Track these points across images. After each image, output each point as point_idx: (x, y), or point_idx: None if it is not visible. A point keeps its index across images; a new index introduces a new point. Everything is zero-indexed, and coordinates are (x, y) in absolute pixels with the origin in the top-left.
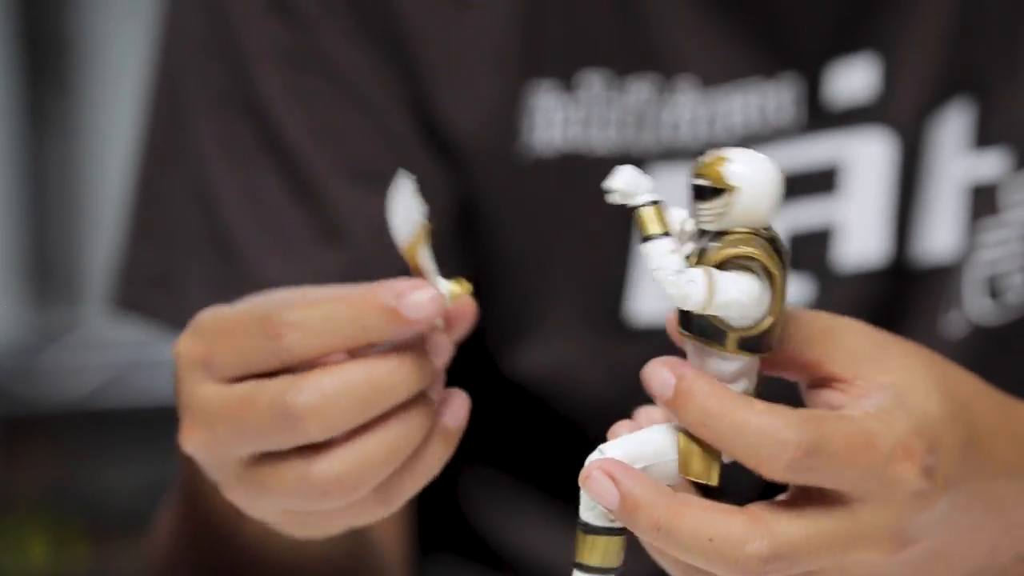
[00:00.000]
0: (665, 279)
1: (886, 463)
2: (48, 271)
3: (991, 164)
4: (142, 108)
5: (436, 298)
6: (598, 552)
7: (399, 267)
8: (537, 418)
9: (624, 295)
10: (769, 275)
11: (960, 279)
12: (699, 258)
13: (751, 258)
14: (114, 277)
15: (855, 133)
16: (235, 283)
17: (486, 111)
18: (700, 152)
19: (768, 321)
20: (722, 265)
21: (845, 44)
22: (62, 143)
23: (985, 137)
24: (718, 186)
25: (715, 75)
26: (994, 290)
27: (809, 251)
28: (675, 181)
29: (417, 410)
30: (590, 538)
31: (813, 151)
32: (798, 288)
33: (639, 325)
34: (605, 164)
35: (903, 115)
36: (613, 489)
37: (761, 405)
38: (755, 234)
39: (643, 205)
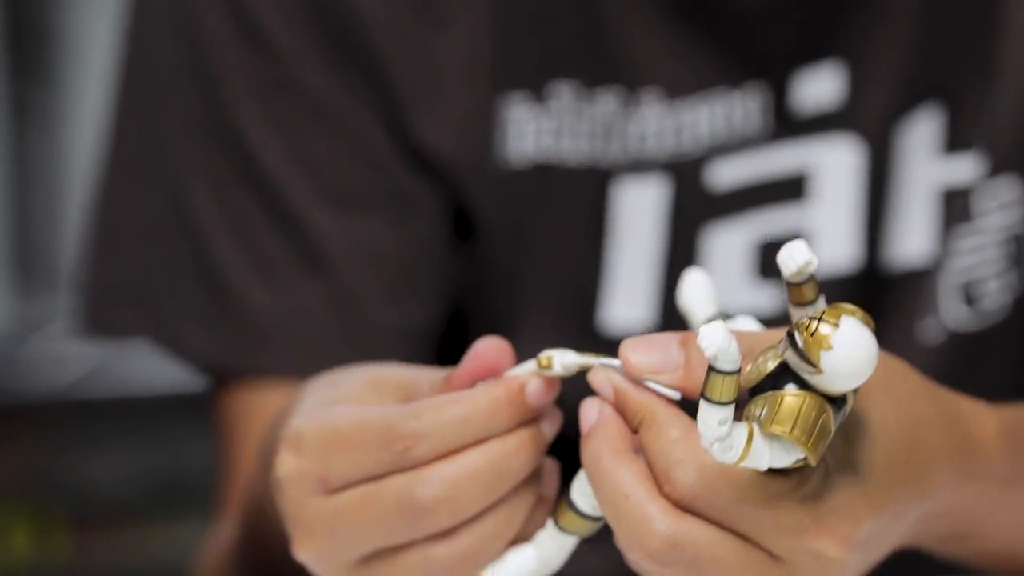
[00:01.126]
0: (705, 439)
1: (787, 534)
2: (31, 260)
3: (962, 169)
4: (108, 120)
5: (552, 381)
6: (573, 525)
7: (383, 293)
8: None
9: (598, 302)
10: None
11: (935, 286)
12: (763, 382)
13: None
14: (82, 294)
15: (822, 140)
16: (222, 311)
17: (461, 126)
18: (668, 164)
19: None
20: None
21: (811, 52)
22: (45, 134)
23: (955, 142)
24: (810, 359)
25: (681, 86)
26: (970, 297)
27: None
28: (643, 193)
29: (530, 482)
30: (570, 513)
31: (781, 159)
32: (769, 297)
33: (612, 332)
34: (576, 175)
35: (870, 121)
36: (594, 415)
37: (677, 432)
38: (823, 396)
39: (723, 372)
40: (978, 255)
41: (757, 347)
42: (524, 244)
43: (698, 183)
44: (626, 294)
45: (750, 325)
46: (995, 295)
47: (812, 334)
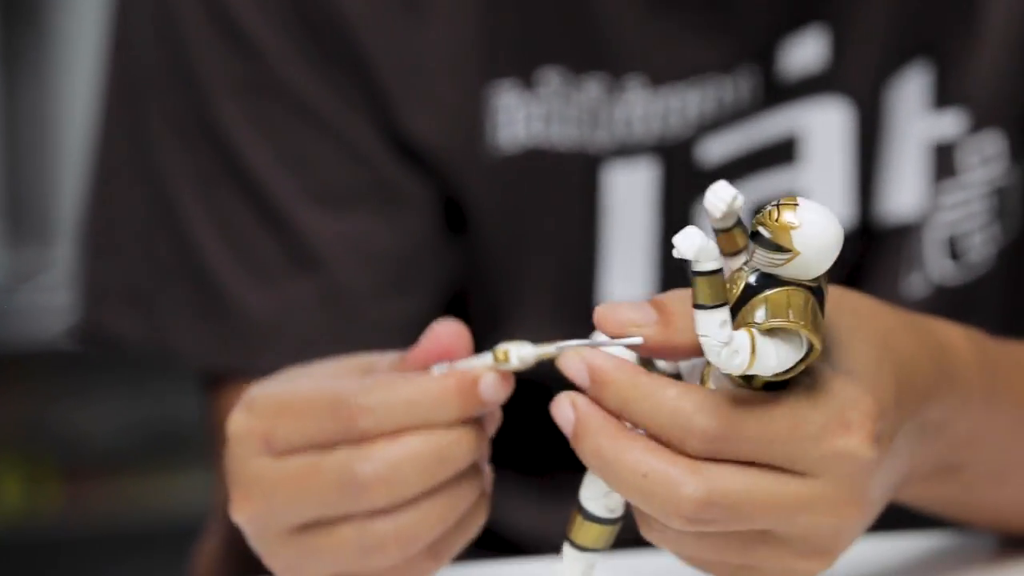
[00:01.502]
0: (711, 348)
1: (815, 442)
2: (22, 211)
3: (950, 124)
4: (95, 123)
5: (508, 378)
6: (591, 536)
7: (375, 289)
8: (514, 400)
9: (595, 284)
10: (809, 341)
11: (921, 240)
12: (743, 295)
13: (798, 330)
14: (77, 296)
15: (810, 103)
16: (214, 312)
17: (450, 115)
18: (656, 147)
19: (796, 372)
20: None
21: (795, 20)
22: (36, 84)
23: (943, 98)
24: (782, 246)
25: (667, 72)
26: (955, 250)
27: None
28: (632, 176)
29: (473, 474)
30: (587, 523)
31: (771, 125)
32: None
33: None
34: (566, 159)
35: (857, 82)
36: (571, 415)
37: (674, 391)
38: (803, 286)
39: (705, 273)
40: (963, 209)
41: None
42: (518, 229)
43: (688, 162)
44: (622, 274)
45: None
46: (979, 248)
47: (777, 220)
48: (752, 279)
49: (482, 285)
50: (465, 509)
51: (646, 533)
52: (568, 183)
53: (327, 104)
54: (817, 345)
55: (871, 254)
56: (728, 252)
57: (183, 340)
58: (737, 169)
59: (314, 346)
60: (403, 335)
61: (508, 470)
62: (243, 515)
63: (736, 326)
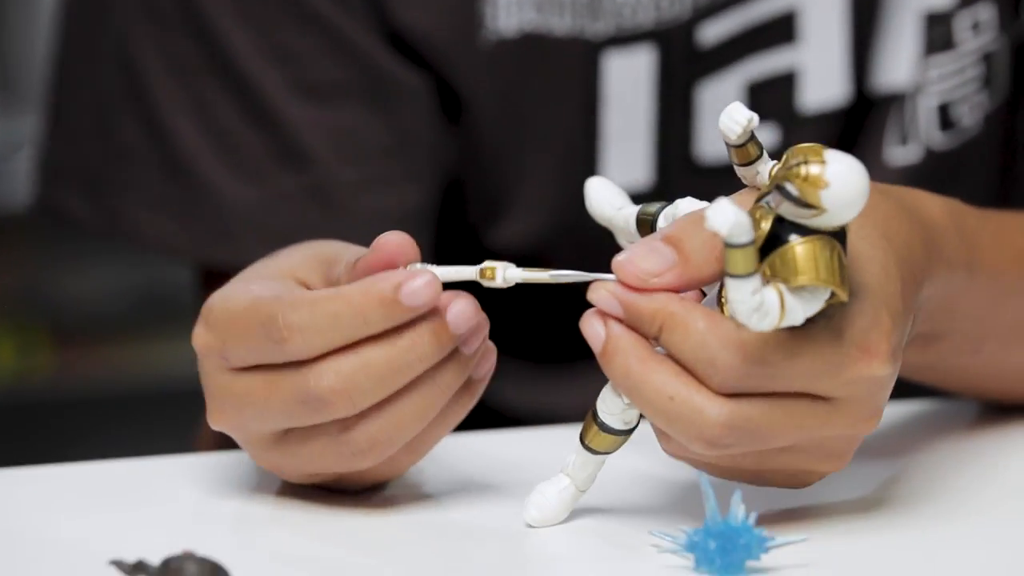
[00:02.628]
0: (742, 312)
1: (838, 369)
2: (13, 79)
3: None
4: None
5: (432, 282)
6: (605, 443)
7: (364, 181)
8: (514, 289)
9: (594, 169)
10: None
11: (915, 108)
12: (768, 241)
13: (829, 287)
14: (36, 175)
15: None
16: (192, 203)
17: (443, 3)
18: (653, 32)
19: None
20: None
21: None
22: None
23: None
24: (810, 203)
25: None
26: (946, 117)
27: (773, 98)
28: (632, 62)
29: (447, 370)
30: (602, 434)
31: (768, 4)
32: (764, 136)
33: None
34: (563, 45)
35: None
36: (601, 332)
37: (703, 323)
38: (828, 234)
39: (739, 245)
40: (956, 77)
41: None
42: (516, 117)
43: (686, 45)
44: (623, 159)
45: (694, 205)
46: (969, 114)
47: (805, 179)
48: (778, 227)
49: (479, 175)
50: (442, 404)
51: (664, 446)
52: (566, 70)
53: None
54: (844, 298)
55: (867, 123)
56: (741, 163)
57: (144, 226)
58: (735, 50)
59: (299, 239)
60: (397, 225)
61: (506, 355)
62: (219, 426)
63: (763, 276)
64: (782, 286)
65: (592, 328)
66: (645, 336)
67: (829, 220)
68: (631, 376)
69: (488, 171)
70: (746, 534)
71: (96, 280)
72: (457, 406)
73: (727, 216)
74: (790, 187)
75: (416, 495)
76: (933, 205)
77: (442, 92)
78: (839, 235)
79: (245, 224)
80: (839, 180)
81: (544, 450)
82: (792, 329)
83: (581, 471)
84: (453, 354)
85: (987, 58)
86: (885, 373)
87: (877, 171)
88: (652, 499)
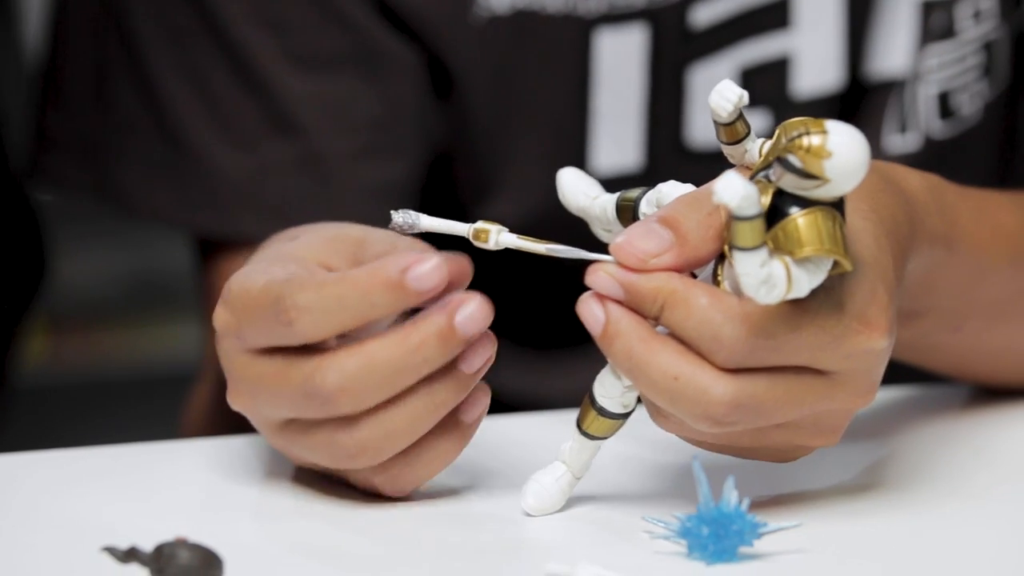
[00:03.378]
0: (750, 286)
1: (839, 342)
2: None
3: None
4: None
5: (439, 266)
6: (603, 428)
7: (355, 152)
8: (507, 270)
9: (585, 149)
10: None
11: (915, 95)
12: (771, 213)
13: (834, 256)
14: (31, 143)
15: None
16: (185, 171)
17: None
18: (646, 11)
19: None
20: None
21: None
22: None
23: None
24: (813, 174)
25: None
26: (946, 106)
27: (765, 83)
28: (624, 41)
29: (444, 385)
30: (600, 419)
31: None
32: (755, 121)
33: (600, 178)
34: (555, 22)
35: None
36: (601, 315)
37: (706, 300)
38: (829, 205)
39: (747, 218)
40: (956, 65)
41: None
42: (506, 94)
43: (679, 26)
44: (613, 139)
45: (678, 189)
46: (969, 102)
47: (808, 150)
48: (779, 200)
49: (469, 153)
50: (434, 420)
51: (660, 423)
52: (558, 47)
53: None
54: (848, 267)
55: (863, 110)
56: (730, 141)
57: (144, 194)
58: (728, 33)
59: (291, 208)
60: (382, 199)
61: (502, 341)
62: (236, 406)
63: (769, 247)
64: (787, 258)
65: (590, 311)
66: (646, 317)
67: (831, 190)
68: (634, 357)
69: (477, 150)
70: (739, 520)
71: (89, 266)
72: (444, 447)
73: (736, 188)
74: (793, 159)
75: None
76: (913, 179)
77: (432, 68)
78: (838, 205)
79: (237, 193)
80: (842, 149)
81: (539, 436)
82: (794, 302)
83: (577, 458)
84: (452, 371)
85: (988, 47)
86: (883, 345)
87: (874, 159)
88: (645, 485)
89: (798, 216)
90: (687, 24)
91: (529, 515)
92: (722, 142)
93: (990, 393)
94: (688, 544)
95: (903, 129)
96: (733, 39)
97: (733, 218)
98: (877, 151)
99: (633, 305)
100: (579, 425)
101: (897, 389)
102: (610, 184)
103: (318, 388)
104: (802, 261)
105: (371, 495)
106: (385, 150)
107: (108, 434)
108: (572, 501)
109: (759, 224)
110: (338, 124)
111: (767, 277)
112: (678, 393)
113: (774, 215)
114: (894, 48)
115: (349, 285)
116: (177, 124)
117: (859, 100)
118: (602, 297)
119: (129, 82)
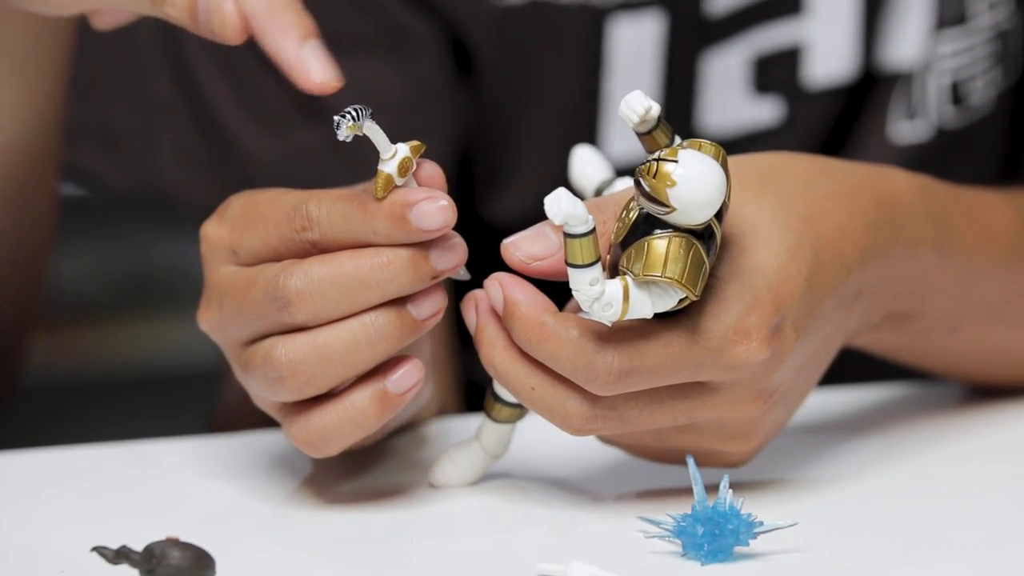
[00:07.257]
0: (584, 302)
1: (717, 355)
2: None
3: None
4: None
5: (445, 208)
6: (504, 414)
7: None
8: (504, 268)
9: (597, 136)
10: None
11: (924, 85)
12: (631, 231)
13: (671, 285)
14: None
15: None
16: (218, 155)
17: None
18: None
19: (680, 307)
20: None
21: None
22: None
23: None
24: (660, 200)
25: None
26: (958, 95)
27: (778, 71)
28: (638, 29)
29: (390, 317)
30: (498, 405)
31: None
32: (769, 109)
33: (613, 164)
34: (570, 12)
35: None
36: (472, 319)
37: (576, 332)
38: (688, 232)
39: (576, 235)
40: (968, 55)
41: (622, 204)
42: (521, 82)
43: (694, 13)
44: (625, 130)
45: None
46: (981, 92)
47: (655, 176)
48: (641, 219)
49: (482, 142)
50: (369, 354)
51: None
52: (572, 35)
53: None
54: (692, 296)
55: (871, 100)
56: (651, 150)
57: (176, 183)
58: (743, 21)
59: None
60: None
61: None
62: (204, 324)
63: (620, 265)
64: (629, 277)
65: (467, 313)
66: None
67: (683, 218)
68: (495, 365)
69: (490, 138)
70: (734, 519)
71: (80, 264)
72: (419, 352)
73: (561, 206)
74: (642, 182)
75: (406, 472)
76: (900, 183)
77: (456, 46)
78: (702, 234)
79: (268, 178)
80: (686, 179)
81: (533, 435)
82: (669, 321)
83: (490, 438)
84: (401, 310)
85: (1002, 36)
86: (763, 356)
87: (880, 148)
88: (639, 484)
89: (654, 239)
90: (703, 12)
91: (434, 486)
92: (646, 151)
93: (985, 392)
94: (683, 544)
95: (911, 117)
96: (747, 26)
97: (564, 235)
98: (883, 141)
99: (507, 326)
100: (487, 412)
101: (891, 387)
102: (623, 173)
103: (280, 289)
104: (646, 283)
105: (361, 496)
106: (417, 131)
107: (99, 433)
108: (564, 500)
109: (589, 242)
110: (367, 106)
111: (599, 295)
112: (536, 403)
113: (635, 234)
114: (907, 35)
115: (358, 206)
116: (211, 109)
117: (869, 89)
118: (482, 301)
119: (164, 70)
